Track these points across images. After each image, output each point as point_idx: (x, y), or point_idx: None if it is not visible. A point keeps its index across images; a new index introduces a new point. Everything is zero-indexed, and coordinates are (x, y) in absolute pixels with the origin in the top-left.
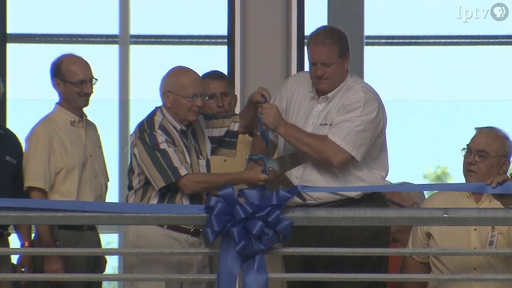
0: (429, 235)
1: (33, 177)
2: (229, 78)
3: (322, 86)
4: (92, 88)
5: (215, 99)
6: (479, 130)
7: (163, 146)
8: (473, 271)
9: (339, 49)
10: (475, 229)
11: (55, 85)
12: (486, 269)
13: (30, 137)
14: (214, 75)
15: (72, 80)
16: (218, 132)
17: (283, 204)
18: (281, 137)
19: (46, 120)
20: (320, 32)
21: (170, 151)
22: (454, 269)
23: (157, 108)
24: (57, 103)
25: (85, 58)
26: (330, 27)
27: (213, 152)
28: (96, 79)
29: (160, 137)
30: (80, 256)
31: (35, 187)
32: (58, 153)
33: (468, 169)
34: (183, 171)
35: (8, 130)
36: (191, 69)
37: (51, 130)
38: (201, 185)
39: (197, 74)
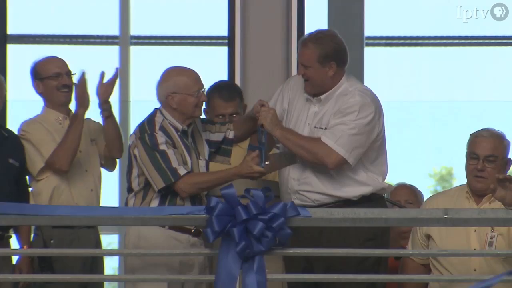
0: (428, 236)
1: (43, 152)
2: (240, 93)
3: (306, 87)
4: (69, 80)
5: (223, 119)
6: (480, 135)
7: (163, 147)
8: (473, 272)
9: (319, 55)
10: (474, 230)
11: (36, 87)
12: (486, 270)
13: (24, 134)
14: (225, 94)
15: (47, 75)
16: (216, 137)
17: (286, 217)
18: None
19: (34, 121)
20: (311, 34)
21: (170, 152)
22: (454, 270)
23: (156, 109)
24: (44, 106)
25: (60, 57)
26: (322, 32)
27: (208, 158)
28: (74, 73)
29: (160, 138)
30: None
31: (45, 166)
32: (47, 148)
33: (477, 175)
34: (182, 171)
35: (11, 132)
36: (185, 67)
37: (39, 126)
38: (197, 186)
39: (193, 70)
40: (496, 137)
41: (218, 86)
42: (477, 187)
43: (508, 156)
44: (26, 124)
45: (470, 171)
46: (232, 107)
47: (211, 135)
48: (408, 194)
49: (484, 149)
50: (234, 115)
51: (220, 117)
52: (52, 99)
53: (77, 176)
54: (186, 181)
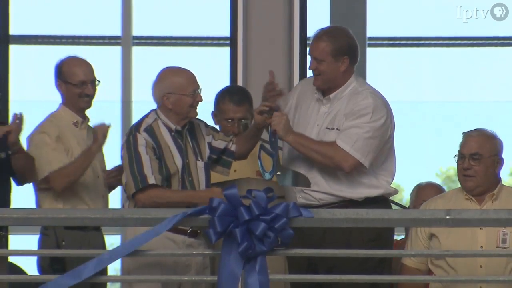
0: (431, 236)
1: (56, 161)
2: (251, 99)
3: (316, 82)
4: (93, 89)
5: (232, 123)
6: (468, 134)
7: (141, 149)
8: (479, 269)
9: (333, 48)
10: (481, 228)
11: (58, 86)
12: (494, 267)
13: (38, 134)
14: (236, 98)
15: (72, 81)
16: (218, 144)
17: (288, 217)
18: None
19: (52, 117)
20: (325, 28)
21: (145, 158)
22: (459, 267)
23: (151, 110)
24: (61, 104)
25: (88, 60)
26: (337, 27)
27: (208, 161)
28: (99, 81)
29: (141, 139)
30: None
31: (43, 179)
32: (66, 147)
33: (464, 174)
34: (151, 180)
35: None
36: (181, 67)
37: (57, 127)
38: (153, 200)
39: (189, 70)
40: (483, 136)
41: (229, 90)
42: (466, 186)
43: (500, 156)
44: (43, 126)
45: (459, 171)
46: (241, 111)
47: (214, 141)
48: (436, 195)
49: (469, 147)
50: (243, 120)
51: (229, 121)
52: (72, 103)
53: (91, 182)
54: (147, 193)
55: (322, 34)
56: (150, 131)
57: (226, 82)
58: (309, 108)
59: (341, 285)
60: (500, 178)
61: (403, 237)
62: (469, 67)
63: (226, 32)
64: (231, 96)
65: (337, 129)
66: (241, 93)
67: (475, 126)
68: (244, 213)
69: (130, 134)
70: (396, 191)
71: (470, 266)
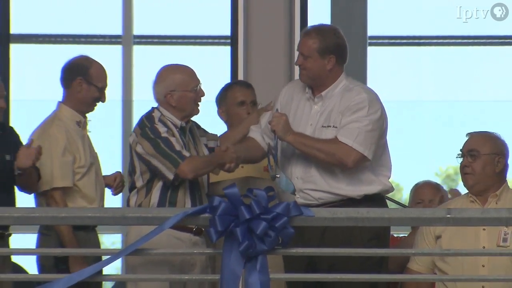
0: (437, 239)
1: (59, 178)
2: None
3: (301, 77)
4: (105, 97)
5: (245, 106)
6: (470, 134)
7: (165, 135)
8: (481, 269)
9: (320, 46)
10: (484, 229)
11: (78, 84)
12: (495, 266)
13: (46, 138)
14: (243, 83)
15: (98, 85)
16: (212, 144)
17: (289, 216)
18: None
19: (57, 119)
20: (315, 26)
21: (172, 139)
22: (461, 268)
23: (153, 108)
24: (60, 102)
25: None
26: (326, 25)
27: None
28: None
29: (162, 128)
30: (90, 257)
31: (59, 188)
32: (73, 153)
33: (463, 172)
34: (186, 153)
35: (6, 127)
36: (180, 64)
37: (65, 132)
38: (194, 166)
39: (188, 66)
40: (484, 135)
41: (233, 81)
42: (466, 183)
43: (504, 157)
44: (51, 130)
45: (460, 169)
46: (252, 95)
47: (209, 142)
48: (433, 194)
49: (467, 145)
50: (254, 104)
51: (242, 105)
52: (82, 104)
53: (93, 180)
54: (188, 165)
55: (311, 31)
56: (164, 122)
57: (227, 81)
58: (298, 108)
59: (341, 283)
60: (506, 180)
61: (403, 235)
62: (469, 66)
63: (227, 31)
64: (238, 82)
65: (333, 126)
66: (245, 81)
67: (475, 125)
68: (244, 212)
69: (145, 127)
70: (392, 188)
71: (472, 266)
